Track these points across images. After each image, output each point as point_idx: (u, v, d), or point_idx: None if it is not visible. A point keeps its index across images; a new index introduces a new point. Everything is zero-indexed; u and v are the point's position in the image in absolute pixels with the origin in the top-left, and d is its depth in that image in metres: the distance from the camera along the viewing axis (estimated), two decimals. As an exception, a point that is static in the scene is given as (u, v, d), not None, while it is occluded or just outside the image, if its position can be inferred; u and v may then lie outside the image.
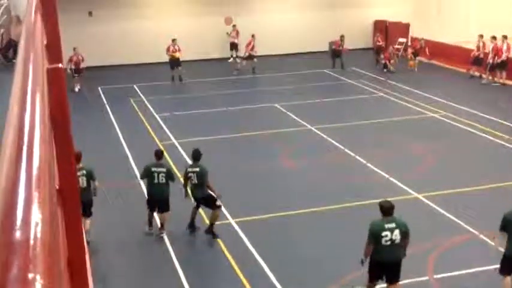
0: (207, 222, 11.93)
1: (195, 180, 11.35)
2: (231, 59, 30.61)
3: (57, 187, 2.13)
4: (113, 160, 16.35)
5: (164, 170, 11.54)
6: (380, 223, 8.65)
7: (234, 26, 30.24)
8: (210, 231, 11.40)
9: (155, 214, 11.83)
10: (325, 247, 11.16)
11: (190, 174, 11.40)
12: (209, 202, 11.46)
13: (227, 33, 30.43)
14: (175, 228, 12.01)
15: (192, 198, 11.64)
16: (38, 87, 1.50)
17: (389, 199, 13.06)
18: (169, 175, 11.57)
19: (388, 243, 8.53)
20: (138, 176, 12.75)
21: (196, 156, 11.53)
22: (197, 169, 11.36)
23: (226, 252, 10.94)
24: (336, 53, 27.97)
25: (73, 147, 2.37)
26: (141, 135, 18.54)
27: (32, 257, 0.71)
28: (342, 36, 28.02)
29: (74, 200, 2.27)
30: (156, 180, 11.44)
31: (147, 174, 11.60)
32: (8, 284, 0.66)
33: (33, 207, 0.82)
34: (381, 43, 29.14)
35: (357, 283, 9.81)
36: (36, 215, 0.81)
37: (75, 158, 10.24)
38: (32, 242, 0.74)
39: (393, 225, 8.57)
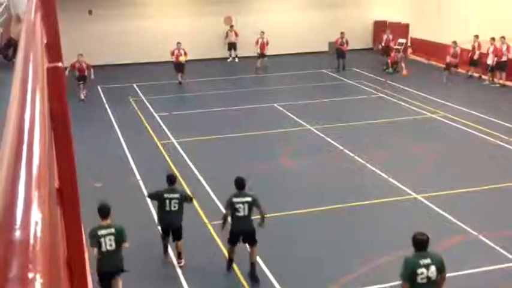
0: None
1: (244, 212, 9.98)
2: (230, 59, 30.67)
3: (57, 186, 2.13)
4: (112, 159, 16.35)
5: (177, 195, 10.45)
6: (414, 260, 7.90)
7: (231, 26, 30.27)
8: (253, 273, 10.13)
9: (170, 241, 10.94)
10: (325, 247, 11.16)
11: (238, 206, 9.97)
12: (253, 236, 10.18)
13: (227, 32, 30.41)
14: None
15: (231, 235, 10.26)
16: (38, 86, 1.50)
17: (388, 199, 13.17)
18: (184, 199, 10.54)
19: (424, 281, 7.85)
20: (145, 193, 11.94)
21: (241, 184, 10.05)
22: (248, 199, 9.98)
23: (225, 252, 10.93)
24: (339, 51, 27.71)
25: (73, 146, 2.37)
26: (141, 134, 18.53)
27: (31, 256, 0.71)
28: (342, 33, 27.92)
29: (74, 199, 2.28)
30: (168, 208, 10.40)
31: (159, 199, 10.58)
32: (8, 283, 0.65)
33: (33, 206, 0.82)
34: (391, 42, 28.89)
35: (356, 283, 9.82)
36: (36, 214, 0.80)
37: (102, 213, 8.87)
38: (32, 241, 0.74)
39: (428, 260, 7.86)
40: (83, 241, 2.54)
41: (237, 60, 30.59)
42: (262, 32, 27.59)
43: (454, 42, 25.00)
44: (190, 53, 30.13)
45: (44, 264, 0.71)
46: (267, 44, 27.51)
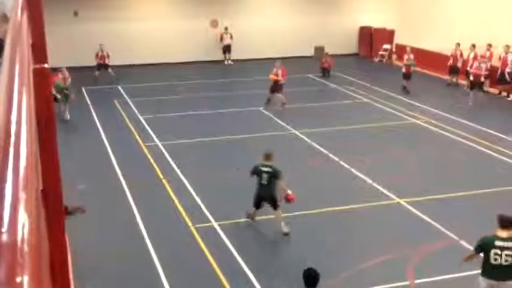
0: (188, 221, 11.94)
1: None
2: (226, 62, 30.70)
3: (41, 188, 2.12)
4: (95, 161, 16.25)
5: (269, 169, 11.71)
6: (490, 238, 8.06)
7: (226, 28, 30.24)
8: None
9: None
10: (307, 252, 11.15)
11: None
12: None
13: (222, 34, 30.44)
14: (157, 231, 11.97)
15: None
16: (24, 87, 1.49)
17: (371, 204, 13.22)
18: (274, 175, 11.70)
19: (497, 262, 7.97)
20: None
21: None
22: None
23: (208, 255, 10.91)
24: (323, 69, 27.83)
25: (57, 148, 2.36)
26: (125, 136, 18.45)
27: (19, 259, 0.71)
28: (326, 54, 28.48)
29: (57, 201, 2.27)
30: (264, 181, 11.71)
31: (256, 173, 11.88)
32: (-4, 285, 0.65)
33: (19, 208, 0.82)
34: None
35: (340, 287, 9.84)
36: (23, 217, 0.80)
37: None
38: (19, 244, 0.74)
39: (508, 244, 7.89)
40: (66, 243, 2.53)
41: (231, 63, 30.65)
42: (101, 45, 26.09)
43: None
44: (178, 55, 30.22)
45: (31, 267, 0.71)
46: (108, 56, 26.05)
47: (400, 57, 28.00)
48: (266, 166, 11.69)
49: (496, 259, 7.98)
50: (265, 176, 11.60)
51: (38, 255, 0.80)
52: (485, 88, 23.90)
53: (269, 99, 21.80)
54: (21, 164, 1.02)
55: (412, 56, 24.47)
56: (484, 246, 8.14)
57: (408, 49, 24.98)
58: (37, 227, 0.89)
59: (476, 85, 22.59)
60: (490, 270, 8.13)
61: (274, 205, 11.65)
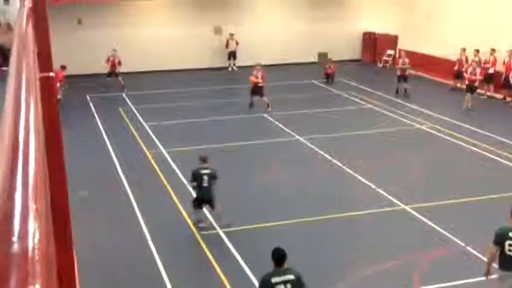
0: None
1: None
2: (230, 68, 30.80)
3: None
4: (100, 169, 16.27)
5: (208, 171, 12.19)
6: (504, 230, 8.24)
7: (231, 35, 30.30)
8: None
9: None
10: (312, 258, 11.13)
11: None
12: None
13: (228, 40, 30.50)
14: (163, 238, 11.97)
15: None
16: (31, 96, 1.50)
17: (376, 210, 13.19)
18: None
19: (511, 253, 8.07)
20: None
21: (281, 258, 7.86)
22: (291, 277, 7.85)
23: (213, 261, 10.90)
24: (326, 74, 27.91)
25: (63, 156, 2.36)
26: (129, 144, 18.46)
27: (30, 269, 0.71)
28: (330, 60, 28.59)
29: (64, 210, 2.27)
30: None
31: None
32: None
33: (30, 218, 0.82)
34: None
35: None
36: (32, 225, 0.80)
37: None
38: (30, 253, 0.74)
39: None
40: (73, 252, 2.54)
41: (235, 69, 30.70)
42: (115, 50, 26.09)
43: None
44: (182, 62, 30.28)
45: (42, 276, 0.71)
46: (120, 63, 25.99)
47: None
48: (205, 169, 12.20)
49: (510, 250, 8.09)
50: (205, 178, 12.09)
51: (49, 264, 0.80)
52: (481, 91, 23.80)
53: (251, 103, 22.41)
54: (31, 172, 1.02)
55: (407, 60, 24.59)
56: (499, 238, 8.26)
57: (402, 53, 25.32)
58: (47, 235, 0.89)
59: (471, 89, 22.57)
60: (506, 262, 8.22)
61: (212, 206, 12.21)
